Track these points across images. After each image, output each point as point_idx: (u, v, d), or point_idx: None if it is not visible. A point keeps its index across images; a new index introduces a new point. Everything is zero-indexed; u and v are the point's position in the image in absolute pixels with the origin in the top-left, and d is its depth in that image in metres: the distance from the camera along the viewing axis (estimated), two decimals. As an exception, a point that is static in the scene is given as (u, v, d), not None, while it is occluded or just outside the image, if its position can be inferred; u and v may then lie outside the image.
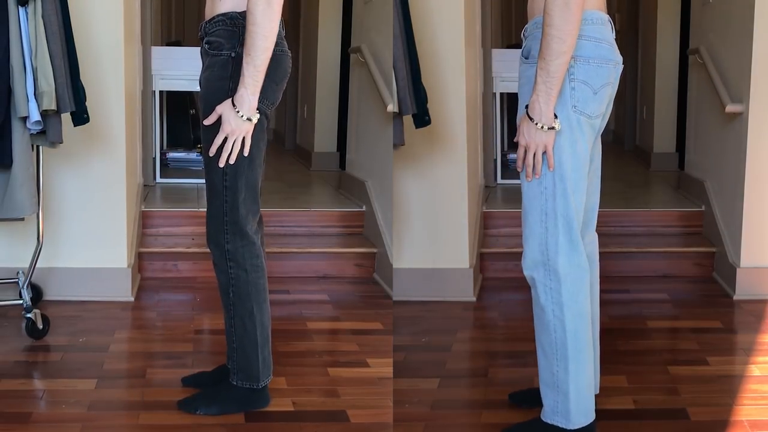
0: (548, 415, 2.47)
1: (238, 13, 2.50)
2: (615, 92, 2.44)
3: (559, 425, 2.45)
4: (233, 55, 2.50)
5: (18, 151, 3.25)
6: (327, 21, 6.59)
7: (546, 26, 2.22)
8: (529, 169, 2.35)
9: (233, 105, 2.46)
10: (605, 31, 2.37)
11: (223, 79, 2.51)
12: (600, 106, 2.37)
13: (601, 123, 2.44)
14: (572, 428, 2.44)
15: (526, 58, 2.39)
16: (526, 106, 2.31)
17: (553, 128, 2.29)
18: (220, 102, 2.49)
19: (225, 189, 2.56)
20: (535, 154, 2.33)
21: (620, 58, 2.42)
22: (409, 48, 3.55)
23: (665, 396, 2.87)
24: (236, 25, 2.50)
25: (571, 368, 2.41)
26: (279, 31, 2.51)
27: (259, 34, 2.40)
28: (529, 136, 2.31)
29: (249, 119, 2.47)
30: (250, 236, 2.62)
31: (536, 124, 2.29)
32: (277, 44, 2.49)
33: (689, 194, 4.96)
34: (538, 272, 2.41)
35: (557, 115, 2.31)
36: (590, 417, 2.47)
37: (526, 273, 2.44)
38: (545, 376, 2.45)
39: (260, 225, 2.76)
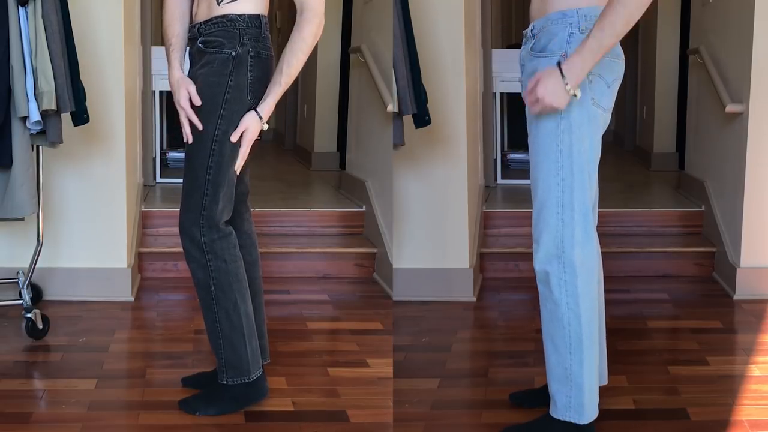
0: (560, 412, 2.45)
1: (237, 15, 2.59)
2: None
3: (572, 420, 2.44)
4: (233, 54, 2.59)
5: (18, 151, 3.25)
6: (327, 21, 6.49)
7: (619, 5, 2.17)
8: (536, 109, 2.30)
9: (260, 117, 2.60)
10: None
11: (222, 75, 2.59)
12: (612, 99, 2.41)
13: (608, 119, 2.46)
14: (584, 423, 2.44)
15: (540, 52, 2.38)
16: (559, 63, 2.26)
17: (575, 95, 2.28)
18: (215, 96, 2.58)
19: (207, 182, 2.60)
20: (542, 109, 2.29)
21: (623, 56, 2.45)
22: (409, 48, 3.55)
23: (665, 396, 2.86)
24: (236, 26, 2.59)
25: (586, 360, 2.41)
26: (265, 33, 2.64)
27: (307, 53, 2.62)
28: (551, 90, 2.26)
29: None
30: (223, 229, 2.66)
31: (566, 83, 2.26)
32: (265, 47, 2.64)
33: (689, 194, 4.95)
34: (552, 266, 2.39)
35: (578, 105, 2.31)
36: (596, 411, 2.47)
37: (538, 268, 2.42)
38: (557, 373, 2.44)
39: (249, 217, 2.86)
